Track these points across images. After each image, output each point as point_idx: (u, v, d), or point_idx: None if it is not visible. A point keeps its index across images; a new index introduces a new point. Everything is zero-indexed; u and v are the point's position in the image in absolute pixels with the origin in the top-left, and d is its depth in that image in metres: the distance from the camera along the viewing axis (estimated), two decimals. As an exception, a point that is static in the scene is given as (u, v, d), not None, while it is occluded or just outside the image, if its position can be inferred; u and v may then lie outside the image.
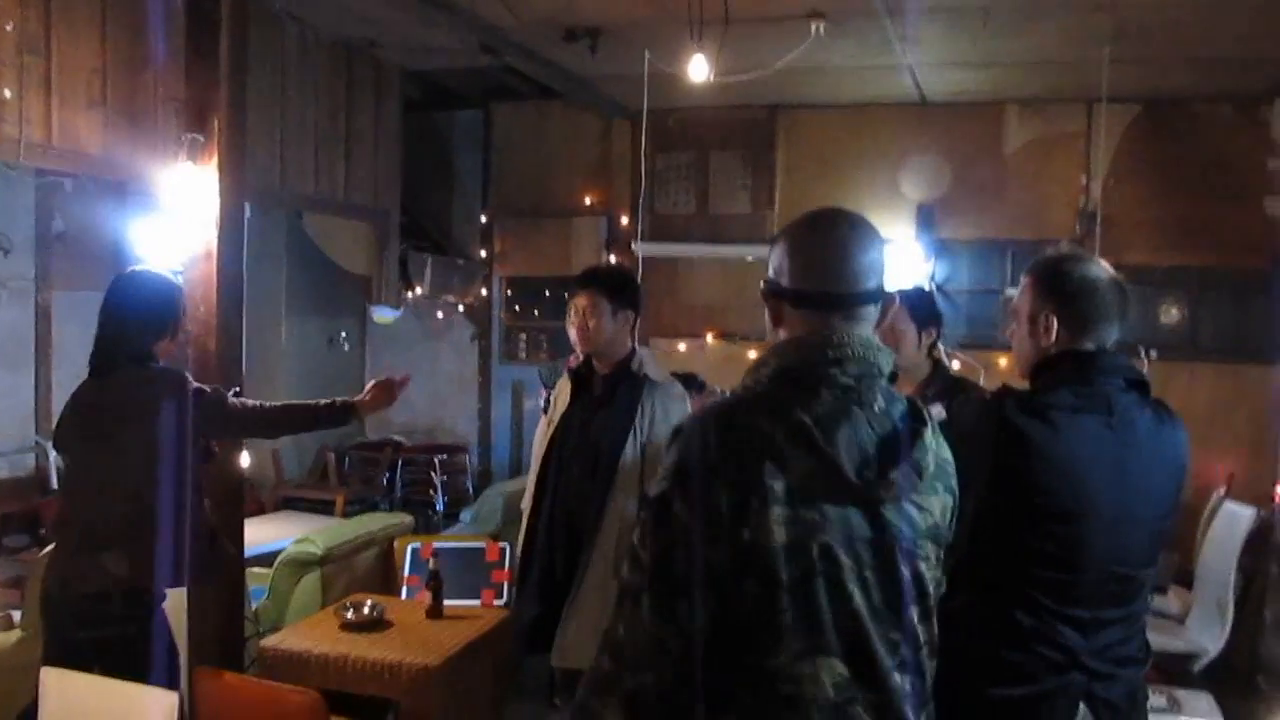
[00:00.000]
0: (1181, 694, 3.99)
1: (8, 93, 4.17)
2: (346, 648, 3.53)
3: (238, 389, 3.38)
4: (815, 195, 7.39)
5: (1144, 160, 7.20)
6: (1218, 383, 6.96)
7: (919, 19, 5.49)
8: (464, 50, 6.29)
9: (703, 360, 7.59)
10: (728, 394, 1.73)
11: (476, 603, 4.30)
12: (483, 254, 8.58)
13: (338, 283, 7.72)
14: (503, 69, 6.83)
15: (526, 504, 3.54)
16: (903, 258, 7.39)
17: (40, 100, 4.30)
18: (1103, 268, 2.26)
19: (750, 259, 7.64)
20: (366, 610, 3.81)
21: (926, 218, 7.53)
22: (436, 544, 4.57)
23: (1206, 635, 4.88)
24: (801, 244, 1.72)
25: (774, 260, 1.74)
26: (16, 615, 3.96)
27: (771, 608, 1.55)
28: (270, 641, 3.65)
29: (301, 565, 4.52)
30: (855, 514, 1.58)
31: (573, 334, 3.43)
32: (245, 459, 3.61)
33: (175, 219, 3.55)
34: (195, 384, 3.14)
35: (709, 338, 8.00)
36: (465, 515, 6.29)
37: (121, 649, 2.94)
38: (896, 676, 1.60)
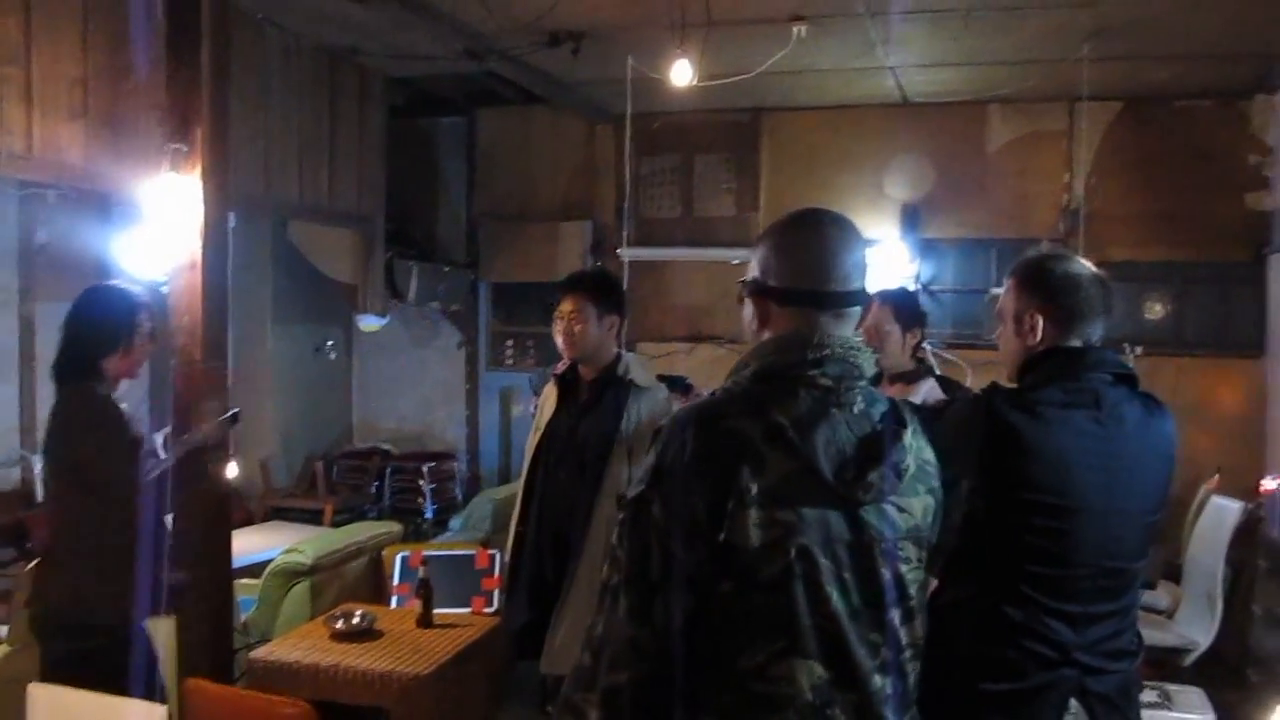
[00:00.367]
0: (1173, 689, 4.01)
1: (-12, 104, 4.15)
2: (337, 657, 3.52)
3: (169, 430, 3.38)
4: (800, 197, 7.39)
5: (1126, 157, 7.23)
6: (1203, 377, 6.99)
7: (900, 20, 5.51)
8: (447, 56, 6.28)
9: (689, 363, 7.59)
10: (715, 394, 1.73)
11: (467, 610, 4.29)
12: (468, 260, 8.57)
13: (323, 291, 7.69)
14: (486, 74, 6.82)
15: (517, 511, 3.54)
16: (888, 258, 7.40)
17: (21, 111, 4.27)
18: (1085, 265, 2.28)
19: (736, 261, 7.62)
20: (356, 620, 3.79)
21: (911, 217, 7.54)
22: (426, 552, 4.56)
23: (1196, 629, 4.91)
24: (791, 243, 1.72)
25: (759, 259, 1.74)
26: (3, 630, 3.94)
27: (748, 609, 1.55)
28: (260, 652, 3.63)
29: (291, 575, 4.50)
30: (834, 515, 1.59)
31: (559, 340, 3.43)
32: (233, 469, 3.58)
33: (159, 229, 3.53)
34: (119, 422, 3.19)
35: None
36: (454, 522, 6.29)
37: (79, 663, 2.98)
38: (877, 679, 1.60)
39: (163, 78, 3.52)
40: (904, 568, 1.65)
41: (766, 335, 1.72)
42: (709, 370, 6.97)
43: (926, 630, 1.71)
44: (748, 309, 1.77)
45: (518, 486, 3.60)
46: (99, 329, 3.22)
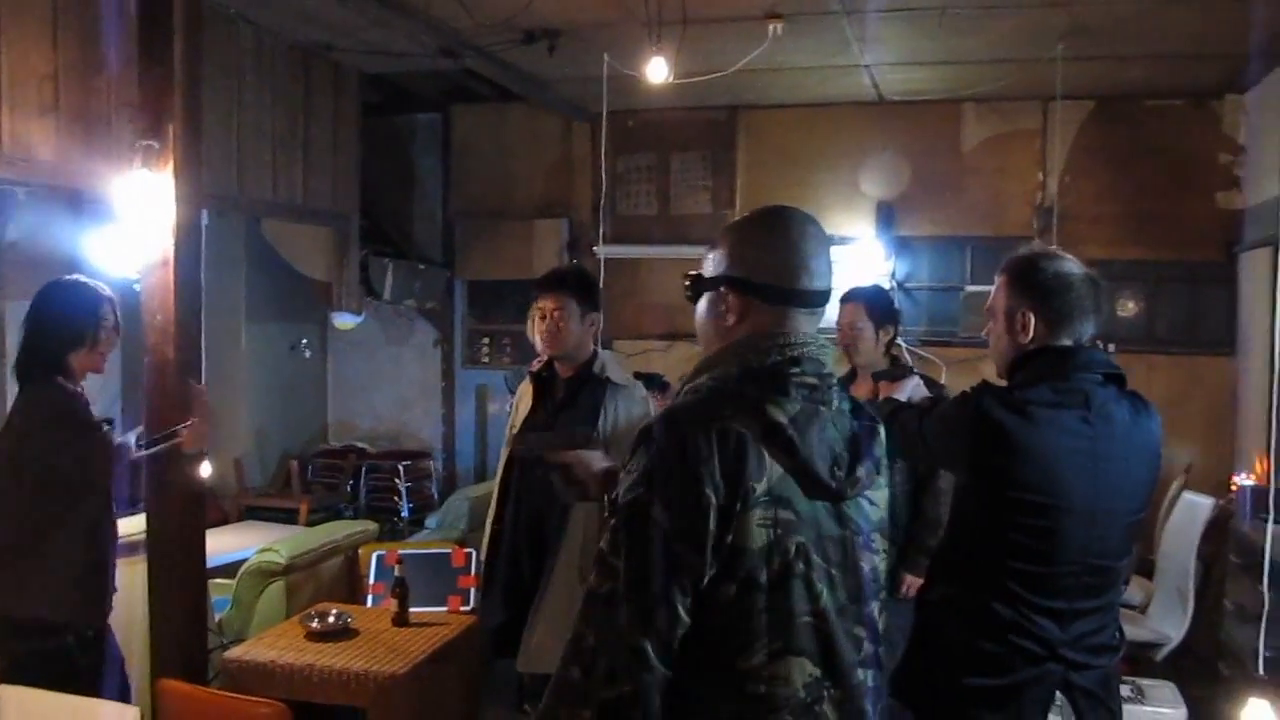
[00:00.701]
0: (1146, 684, 4.04)
1: (-44, 101, 4.10)
2: (312, 657, 3.50)
3: (141, 430, 3.34)
4: (776, 195, 7.41)
5: (1099, 156, 7.29)
6: (1174, 374, 7.06)
7: (876, 18, 5.54)
8: (423, 53, 6.26)
9: (665, 360, 7.59)
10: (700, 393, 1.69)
11: (443, 609, 4.27)
12: (444, 258, 8.54)
13: (298, 288, 7.64)
14: (462, 72, 6.80)
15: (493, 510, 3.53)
16: (863, 256, 7.43)
17: (-10, 107, 4.23)
18: (1076, 264, 2.30)
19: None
20: (332, 619, 3.77)
21: (886, 215, 7.58)
22: (402, 551, 4.53)
23: (1168, 624, 4.95)
24: (769, 240, 1.70)
25: (727, 255, 1.72)
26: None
27: (749, 610, 1.54)
28: (234, 653, 3.60)
29: (265, 575, 4.47)
30: (824, 512, 1.60)
31: (536, 338, 3.41)
32: (206, 468, 3.55)
33: (131, 226, 3.49)
34: (87, 419, 3.14)
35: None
36: (431, 521, 6.26)
37: (39, 664, 2.94)
38: (859, 672, 1.62)
39: (134, 74, 3.48)
40: (876, 559, 1.69)
41: (738, 332, 1.69)
42: (685, 368, 6.93)
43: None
44: (708, 304, 1.74)
45: (494, 485, 3.58)
46: (63, 324, 3.15)
